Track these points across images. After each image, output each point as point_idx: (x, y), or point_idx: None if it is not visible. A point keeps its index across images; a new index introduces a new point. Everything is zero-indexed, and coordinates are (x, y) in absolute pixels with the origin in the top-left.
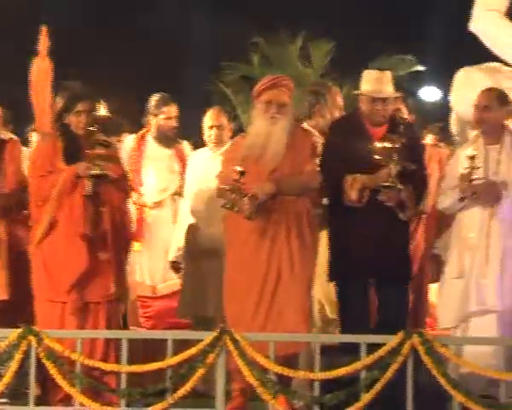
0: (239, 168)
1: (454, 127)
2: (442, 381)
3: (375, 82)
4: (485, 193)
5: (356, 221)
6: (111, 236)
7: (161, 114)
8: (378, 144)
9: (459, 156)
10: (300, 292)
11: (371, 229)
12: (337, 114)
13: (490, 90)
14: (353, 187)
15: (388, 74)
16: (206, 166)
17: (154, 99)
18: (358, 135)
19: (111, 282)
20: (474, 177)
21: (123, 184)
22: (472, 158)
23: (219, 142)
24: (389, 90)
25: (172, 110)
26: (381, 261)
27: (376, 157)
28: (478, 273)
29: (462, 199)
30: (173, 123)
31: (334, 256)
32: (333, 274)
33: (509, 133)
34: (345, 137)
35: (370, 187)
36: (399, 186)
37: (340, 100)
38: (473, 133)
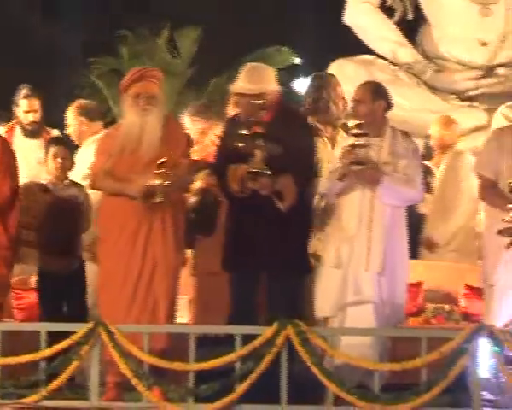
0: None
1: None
2: (316, 371)
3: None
4: (365, 172)
5: (243, 213)
6: None
7: (21, 106)
8: (243, 131)
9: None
10: (172, 284)
11: (256, 220)
12: (341, 105)
13: (364, 83)
14: (234, 177)
15: (260, 71)
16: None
17: (18, 91)
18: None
19: None
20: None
21: None
22: (357, 126)
23: (78, 138)
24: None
25: (34, 104)
26: (267, 254)
27: (240, 144)
28: (357, 264)
29: (341, 177)
30: (32, 117)
31: (225, 247)
32: (224, 265)
33: (391, 127)
34: (232, 132)
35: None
36: (267, 172)
37: (341, 90)
38: None
